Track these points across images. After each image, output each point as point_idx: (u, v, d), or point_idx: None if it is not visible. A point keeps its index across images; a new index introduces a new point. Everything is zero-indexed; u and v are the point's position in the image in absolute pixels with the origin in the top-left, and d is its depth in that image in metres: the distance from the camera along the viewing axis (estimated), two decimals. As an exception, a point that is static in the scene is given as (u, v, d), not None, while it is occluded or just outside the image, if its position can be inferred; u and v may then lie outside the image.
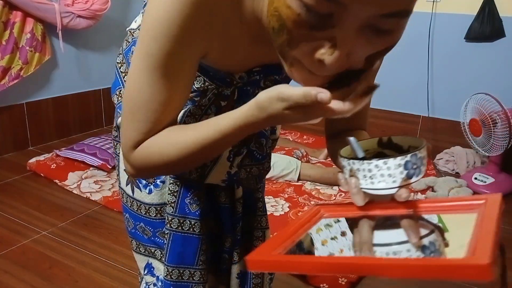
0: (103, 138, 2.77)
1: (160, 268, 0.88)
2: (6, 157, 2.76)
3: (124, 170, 0.86)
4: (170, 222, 0.82)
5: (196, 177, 0.81)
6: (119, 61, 0.85)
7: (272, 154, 0.94)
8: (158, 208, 0.84)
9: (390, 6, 0.45)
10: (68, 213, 2.14)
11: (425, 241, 0.52)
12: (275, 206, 2.17)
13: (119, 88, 0.85)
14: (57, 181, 2.42)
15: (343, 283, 1.63)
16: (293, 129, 3.27)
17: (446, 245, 0.52)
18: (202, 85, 0.71)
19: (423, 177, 0.59)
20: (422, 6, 2.78)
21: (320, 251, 0.57)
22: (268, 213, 1.02)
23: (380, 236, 0.55)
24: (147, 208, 0.85)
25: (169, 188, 0.82)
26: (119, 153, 0.87)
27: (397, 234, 0.54)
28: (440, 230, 0.54)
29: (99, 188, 2.35)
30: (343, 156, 0.58)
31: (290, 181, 2.45)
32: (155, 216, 0.85)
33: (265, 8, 0.54)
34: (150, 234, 0.87)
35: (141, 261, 0.92)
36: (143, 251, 0.90)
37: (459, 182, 2.43)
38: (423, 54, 2.88)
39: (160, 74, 0.58)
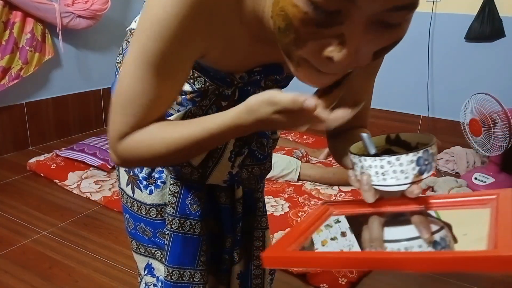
0: (103, 138, 2.77)
1: (160, 269, 0.88)
2: (6, 157, 2.76)
3: (125, 170, 0.86)
4: (171, 223, 0.82)
5: (197, 177, 0.81)
6: (119, 61, 0.85)
7: (272, 154, 0.93)
8: (159, 209, 0.84)
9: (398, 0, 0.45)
10: (68, 213, 2.14)
11: (436, 237, 0.52)
12: (275, 206, 2.17)
13: (119, 88, 0.84)
14: (57, 181, 2.42)
15: (343, 283, 1.63)
16: (293, 129, 3.27)
17: (455, 240, 0.52)
18: (203, 85, 0.70)
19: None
20: (422, 6, 2.77)
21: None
22: (268, 213, 1.02)
23: (391, 232, 0.55)
24: (147, 208, 0.85)
25: (169, 189, 0.82)
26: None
27: (408, 230, 0.54)
28: (448, 226, 0.54)
29: (99, 188, 2.35)
30: (354, 153, 0.58)
31: (290, 181, 2.45)
32: (155, 216, 0.85)
33: (266, 9, 0.54)
34: (150, 235, 0.87)
35: (141, 261, 0.92)
36: (143, 251, 0.90)
37: (459, 182, 2.43)
38: (423, 54, 2.88)
39: (154, 72, 0.58)
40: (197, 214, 0.82)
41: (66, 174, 2.46)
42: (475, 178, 2.45)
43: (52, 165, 2.54)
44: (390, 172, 0.54)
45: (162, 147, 0.61)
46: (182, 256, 0.84)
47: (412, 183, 0.55)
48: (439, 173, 2.63)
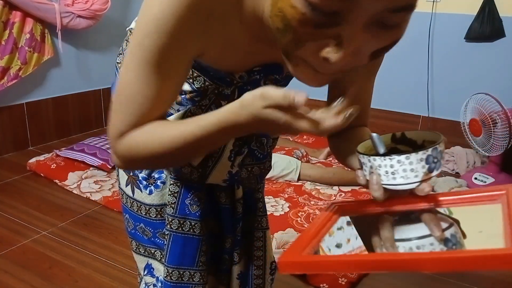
0: (103, 138, 2.77)
1: (160, 269, 0.88)
2: (6, 157, 2.76)
3: (125, 170, 0.86)
4: (171, 223, 0.82)
5: (197, 177, 0.81)
6: (119, 61, 0.85)
7: (272, 154, 0.93)
8: (159, 209, 0.84)
9: (398, 1, 0.45)
10: (68, 213, 2.14)
11: (447, 234, 0.52)
12: (275, 206, 2.17)
13: (119, 88, 0.84)
14: (57, 181, 2.42)
15: (343, 283, 1.63)
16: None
17: (464, 236, 0.52)
18: (203, 85, 0.71)
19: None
20: (422, 6, 2.78)
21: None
22: (268, 213, 1.02)
23: (401, 231, 0.55)
24: (147, 208, 0.85)
25: (169, 189, 0.82)
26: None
27: (418, 229, 0.54)
28: (457, 222, 0.54)
29: (99, 188, 2.35)
30: (363, 153, 0.58)
31: (290, 181, 2.45)
32: (155, 217, 0.85)
33: (266, 8, 0.54)
34: (150, 235, 0.87)
35: (141, 261, 0.92)
36: (143, 251, 0.90)
37: (459, 182, 2.43)
38: (423, 54, 2.88)
39: (151, 70, 0.58)
40: (197, 214, 0.82)
41: (66, 174, 2.46)
42: (475, 178, 2.45)
43: (52, 165, 2.54)
44: (400, 171, 0.54)
45: (158, 146, 0.61)
46: (182, 257, 0.84)
47: (421, 181, 0.55)
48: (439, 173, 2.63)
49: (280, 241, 1.88)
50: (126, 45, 0.83)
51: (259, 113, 0.52)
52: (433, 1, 2.77)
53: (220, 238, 0.89)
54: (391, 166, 0.54)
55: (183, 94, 0.72)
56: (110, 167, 2.50)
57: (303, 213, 2.12)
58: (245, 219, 0.91)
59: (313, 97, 0.65)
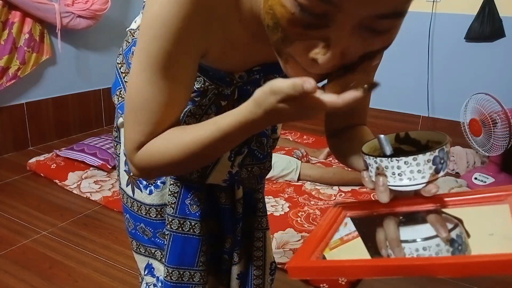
0: (103, 138, 2.77)
1: (160, 269, 0.88)
2: (6, 157, 2.76)
3: (125, 170, 0.86)
4: (171, 223, 0.82)
5: (197, 177, 0.81)
6: (119, 62, 0.85)
7: (272, 154, 0.93)
8: (159, 209, 0.84)
9: (384, 7, 0.45)
10: (68, 213, 2.14)
11: (453, 235, 0.51)
12: (275, 206, 2.17)
13: (119, 88, 0.85)
14: (57, 181, 2.42)
15: (343, 283, 1.63)
16: (293, 129, 3.27)
17: (468, 236, 0.51)
18: (202, 85, 0.70)
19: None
20: (422, 6, 2.78)
21: None
22: (268, 213, 1.02)
23: (406, 232, 0.54)
24: (147, 208, 0.85)
25: (169, 189, 0.82)
26: (119, 153, 0.87)
27: (423, 230, 0.54)
28: (461, 221, 0.54)
29: (99, 188, 2.35)
30: (369, 154, 0.57)
31: (290, 181, 2.45)
32: (155, 217, 0.85)
33: (261, 5, 0.55)
34: (150, 235, 0.87)
35: (141, 261, 0.92)
36: (143, 251, 0.90)
37: (459, 182, 2.43)
38: (423, 54, 2.88)
39: (160, 74, 0.58)
40: (197, 214, 0.82)
41: (66, 174, 2.46)
42: (475, 178, 2.45)
43: (52, 165, 2.54)
44: (407, 172, 0.54)
45: (176, 153, 0.60)
46: (182, 257, 0.84)
47: (428, 182, 0.55)
48: (439, 173, 2.63)
49: (280, 241, 1.88)
50: (126, 46, 0.83)
51: (274, 109, 0.51)
52: (433, 1, 2.77)
53: (220, 238, 0.89)
54: (398, 168, 0.54)
55: (183, 94, 0.72)
56: (110, 167, 2.51)
57: (303, 213, 2.12)
58: (245, 219, 0.91)
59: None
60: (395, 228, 0.55)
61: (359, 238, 0.56)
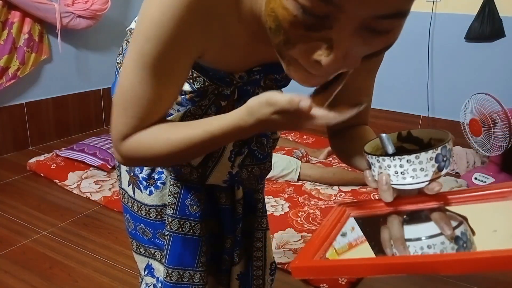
0: (103, 138, 2.77)
1: (160, 269, 0.88)
2: (6, 157, 2.76)
3: (126, 171, 0.86)
4: (170, 224, 0.82)
5: (197, 178, 0.81)
6: (119, 61, 0.85)
7: (272, 154, 0.93)
8: (159, 210, 0.84)
9: (386, 8, 0.45)
10: (68, 213, 2.14)
11: (457, 232, 0.51)
12: (275, 206, 2.17)
13: (119, 88, 0.84)
14: (57, 181, 2.42)
15: (343, 283, 1.63)
16: (293, 129, 3.27)
17: (473, 233, 0.51)
18: (202, 85, 0.70)
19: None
20: (422, 6, 2.78)
21: None
22: (268, 213, 1.02)
23: (411, 230, 0.54)
24: (147, 209, 0.85)
25: (169, 190, 0.82)
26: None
27: (428, 228, 0.54)
28: (465, 219, 0.54)
29: (99, 188, 2.35)
30: (371, 153, 0.57)
31: (290, 181, 2.45)
32: (155, 217, 0.85)
33: (263, 7, 0.55)
34: (150, 235, 0.87)
35: (141, 262, 0.92)
36: (143, 252, 0.90)
37: (459, 182, 2.43)
38: (423, 54, 2.88)
39: (152, 73, 0.58)
40: (197, 215, 0.82)
41: (66, 174, 2.46)
42: (475, 178, 2.45)
43: (52, 165, 2.53)
44: (410, 171, 0.54)
45: (163, 148, 0.62)
46: (182, 257, 0.83)
47: (431, 180, 0.54)
48: (439, 173, 2.63)
49: (280, 241, 1.88)
50: (126, 45, 0.83)
51: (266, 119, 0.54)
52: (433, 1, 2.77)
53: (220, 239, 0.89)
54: (401, 166, 0.54)
55: (183, 95, 0.72)
56: (110, 167, 2.50)
57: (303, 213, 2.12)
58: (245, 219, 0.91)
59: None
60: (399, 226, 0.55)
61: (367, 243, 0.55)
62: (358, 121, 0.78)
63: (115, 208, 2.15)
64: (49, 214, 2.12)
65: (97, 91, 3.27)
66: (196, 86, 0.71)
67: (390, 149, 0.58)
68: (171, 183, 0.82)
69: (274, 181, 2.44)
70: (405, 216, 0.57)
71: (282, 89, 0.80)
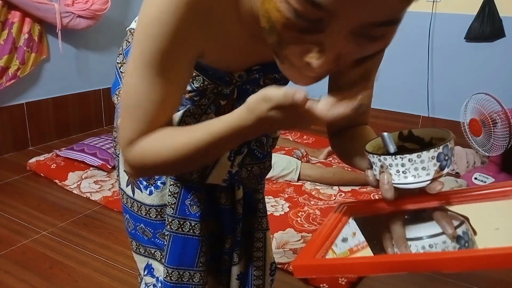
0: (103, 138, 2.77)
1: (160, 269, 0.88)
2: (6, 157, 2.76)
3: (125, 171, 0.86)
4: (170, 224, 0.82)
5: (197, 177, 0.81)
6: (119, 61, 0.85)
7: (272, 154, 0.93)
8: (158, 210, 0.84)
9: (378, 16, 0.45)
10: (68, 213, 2.14)
11: (459, 231, 0.51)
12: (275, 206, 2.17)
13: (119, 88, 0.85)
14: (57, 181, 2.42)
15: (343, 283, 1.63)
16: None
17: (475, 233, 0.51)
18: (202, 84, 0.70)
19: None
20: (422, 6, 2.78)
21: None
22: (268, 213, 1.02)
23: (412, 230, 0.54)
24: (147, 209, 0.85)
25: (169, 190, 0.82)
26: (119, 153, 0.87)
27: (429, 227, 0.54)
28: (466, 218, 0.54)
29: (99, 188, 2.35)
30: (373, 153, 0.57)
31: (290, 181, 2.45)
32: (155, 217, 0.85)
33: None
34: (150, 235, 0.87)
35: (141, 262, 0.92)
36: (143, 252, 0.90)
37: (459, 182, 2.43)
38: (423, 54, 2.88)
39: (155, 74, 0.58)
40: (197, 215, 0.82)
41: (66, 174, 2.46)
42: (475, 178, 2.45)
43: (52, 165, 2.54)
44: (412, 170, 0.54)
45: (169, 153, 0.61)
46: (182, 257, 0.83)
47: (432, 179, 0.54)
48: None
49: (280, 241, 1.88)
50: (126, 45, 0.83)
51: (265, 116, 0.52)
52: (433, 1, 2.77)
53: (220, 239, 0.89)
54: (402, 165, 0.54)
55: (182, 94, 0.72)
56: (110, 167, 2.51)
57: (303, 213, 2.12)
58: (245, 220, 0.91)
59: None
60: (400, 226, 0.55)
61: (368, 249, 0.55)
62: (358, 120, 0.78)
63: (115, 208, 2.15)
64: (49, 214, 2.12)
65: (97, 91, 3.27)
66: (196, 85, 0.71)
67: (392, 148, 0.58)
68: (171, 183, 0.82)
69: (274, 181, 2.44)
70: (406, 216, 0.57)
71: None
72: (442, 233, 0.52)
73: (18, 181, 2.46)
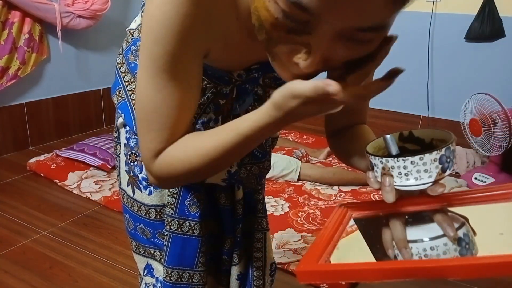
0: (103, 138, 2.77)
1: (159, 269, 0.88)
2: (6, 157, 2.76)
3: (125, 171, 0.86)
4: (170, 224, 0.82)
5: (196, 177, 0.80)
6: (119, 62, 0.85)
7: (272, 154, 0.93)
8: (158, 210, 0.84)
9: (364, 21, 0.45)
10: (68, 213, 2.14)
11: (460, 233, 0.51)
12: (275, 206, 2.17)
13: (119, 88, 0.84)
14: (57, 181, 2.42)
15: (343, 283, 1.63)
16: (293, 129, 3.27)
17: (474, 234, 0.51)
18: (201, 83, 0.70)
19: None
20: (422, 6, 2.78)
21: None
22: (268, 213, 1.02)
23: (413, 232, 0.54)
24: (147, 209, 0.85)
25: (169, 190, 0.82)
26: (119, 153, 0.87)
27: (430, 229, 0.53)
28: (466, 219, 0.54)
29: (99, 188, 2.35)
30: (375, 154, 0.57)
31: (290, 181, 2.45)
32: (154, 217, 0.85)
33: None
34: (149, 235, 0.87)
35: (140, 262, 0.92)
36: (143, 252, 0.90)
37: (459, 182, 2.43)
38: (423, 54, 2.88)
39: (167, 77, 0.57)
40: (196, 215, 0.82)
41: (66, 174, 2.46)
42: (475, 178, 2.45)
43: (52, 165, 2.54)
44: (414, 172, 0.53)
45: (198, 159, 0.60)
46: (181, 257, 0.83)
47: (434, 181, 0.54)
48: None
49: (280, 241, 1.88)
50: (126, 46, 0.83)
51: (295, 112, 0.52)
52: (433, 1, 2.77)
53: (219, 239, 0.89)
54: (405, 167, 0.53)
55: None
56: (110, 167, 2.51)
57: (303, 213, 2.12)
58: (245, 220, 0.91)
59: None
60: (401, 228, 0.55)
61: (358, 232, 0.55)
62: (357, 120, 0.78)
63: (115, 208, 2.15)
64: (49, 214, 2.12)
65: (97, 91, 3.27)
66: (195, 85, 0.70)
67: (394, 150, 0.58)
68: (171, 183, 0.81)
69: (274, 181, 2.44)
70: (407, 217, 0.57)
71: None
72: (443, 235, 0.51)
73: (18, 181, 2.46)
